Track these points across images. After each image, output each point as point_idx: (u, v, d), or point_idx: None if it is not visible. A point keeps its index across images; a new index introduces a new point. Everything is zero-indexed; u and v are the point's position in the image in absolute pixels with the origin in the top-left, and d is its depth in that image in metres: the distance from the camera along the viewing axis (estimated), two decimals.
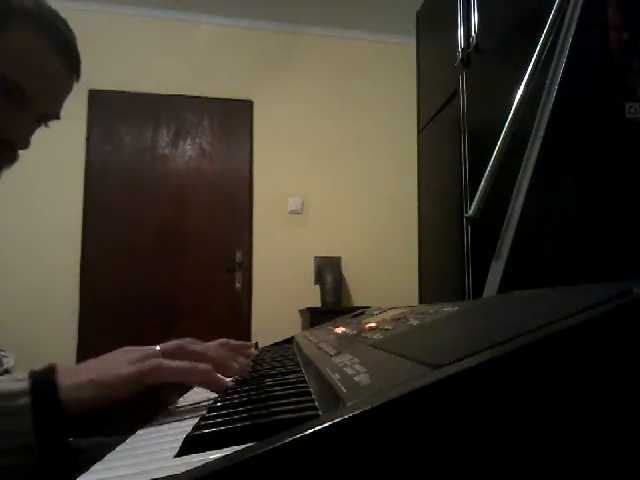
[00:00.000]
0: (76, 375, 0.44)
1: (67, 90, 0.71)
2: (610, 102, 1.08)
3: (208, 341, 0.80)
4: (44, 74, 0.66)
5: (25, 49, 0.64)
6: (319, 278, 3.46)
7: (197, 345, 0.55)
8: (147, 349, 0.50)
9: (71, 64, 0.70)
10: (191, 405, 0.51)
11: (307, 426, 0.17)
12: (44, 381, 0.43)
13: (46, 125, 0.72)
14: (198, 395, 0.56)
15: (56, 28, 0.67)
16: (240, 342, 0.83)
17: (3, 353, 0.74)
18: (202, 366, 0.48)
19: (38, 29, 0.64)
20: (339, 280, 3.49)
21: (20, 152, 0.69)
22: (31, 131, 0.69)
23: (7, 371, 0.71)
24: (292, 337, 1.04)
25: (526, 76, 0.92)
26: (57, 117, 0.72)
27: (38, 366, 0.46)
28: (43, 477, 0.42)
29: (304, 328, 3.25)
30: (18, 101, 0.64)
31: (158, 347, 0.50)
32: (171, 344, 0.52)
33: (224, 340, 0.81)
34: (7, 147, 0.66)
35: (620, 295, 0.19)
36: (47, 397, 0.42)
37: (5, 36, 0.63)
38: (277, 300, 3.51)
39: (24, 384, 0.42)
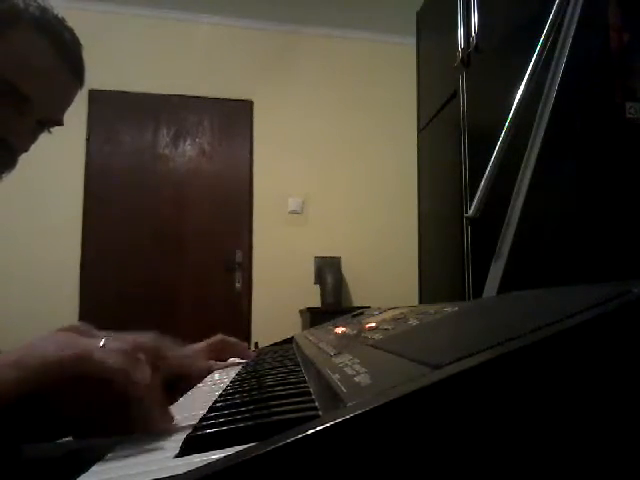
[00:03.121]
0: (5, 356, 0.39)
1: (70, 96, 0.72)
2: (610, 102, 1.08)
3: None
4: (46, 79, 0.66)
5: (28, 53, 0.64)
6: (319, 278, 3.46)
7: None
8: (90, 338, 0.41)
9: (74, 70, 0.70)
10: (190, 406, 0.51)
11: (308, 426, 0.17)
12: None
13: (49, 131, 0.72)
14: (198, 394, 0.56)
15: (60, 34, 0.67)
16: (236, 340, 0.83)
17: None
18: (138, 375, 0.38)
19: (42, 34, 0.65)
20: (339, 280, 3.49)
21: (19, 157, 0.70)
22: (32, 135, 0.70)
23: None
24: (292, 337, 1.04)
25: (526, 76, 0.92)
26: (60, 123, 0.72)
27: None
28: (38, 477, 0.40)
29: (304, 328, 3.25)
30: (18, 104, 0.65)
31: (103, 340, 0.40)
32: (126, 342, 0.41)
33: (220, 337, 0.81)
34: (5, 148, 0.66)
35: (620, 295, 0.19)
36: None
37: (8, 39, 0.63)
38: (277, 300, 3.51)
39: None
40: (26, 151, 0.69)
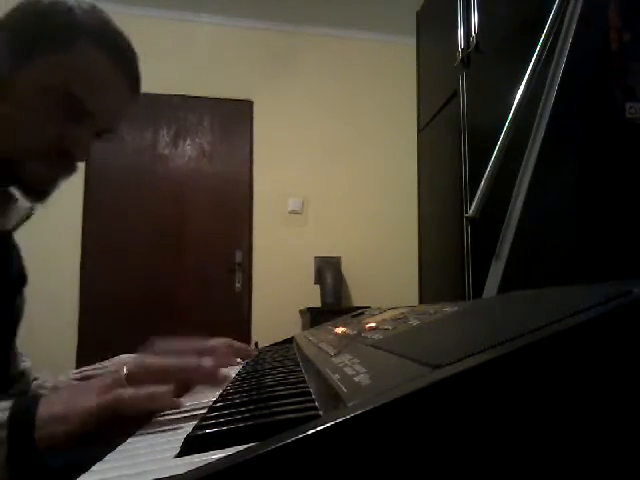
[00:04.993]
0: (52, 407, 0.45)
1: (128, 108, 0.73)
2: (610, 102, 1.08)
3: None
4: (106, 92, 0.68)
5: (89, 68, 0.65)
6: (319, 278, 3.46)
7: (170, 356, 0.53)
8: (113, 375, 0.49)
9: (133, 84, 0.71)
10: (190, 405, 0.51)
11: (309, 426, 0.17)
12: (23, 415, 0.44)
13: (101, 139, 0.73)
14: (198, 395, 0.56)
15: (120, 48, 0.68)
16: (243, 344, 0.84)
17: (22, 357, 0.76)
18: (160, 391, 0.47)
19: (102, 48, 0.66)
20: (339, 280, 3.49)
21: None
22: (90, 145, 0.71)
23: (23, 373, 0.73)
24: (292, 337, 1.04)
25: (526, 76, 0.92)
26: (115, 133, 0.74)
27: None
28: None
29: (304, 328, 3.25)
30: (81, 117, 0.66)
31: (125, 371, 0.49)
32: (137, 363, 0.50)
33: (227, 340, 0.82)
34: (69, 159, 0.68)
35: (620, 295, 0.19)
36: (22, 432, 0.43)
37: (70, 54, 0.64)
38: (277, 300, 3.51)
39: (2, 416, 0.43)
40: (86, 159, 0.71)
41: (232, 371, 0.69)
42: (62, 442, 0.44)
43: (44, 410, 0.44)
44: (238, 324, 3.48)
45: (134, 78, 0.71)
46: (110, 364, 0.76)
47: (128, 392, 0.46)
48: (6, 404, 0.44)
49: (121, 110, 0.72)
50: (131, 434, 0.41)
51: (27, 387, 0.72)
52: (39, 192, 0.72)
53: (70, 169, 0.71)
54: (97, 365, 0.75)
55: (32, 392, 0.71)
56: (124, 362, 0.77)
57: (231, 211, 3.60)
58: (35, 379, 0.75)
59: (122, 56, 0.69)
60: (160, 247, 3.45)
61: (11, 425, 0.43)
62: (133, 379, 0.48)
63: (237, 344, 0.83)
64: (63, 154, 0.67)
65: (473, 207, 0.88)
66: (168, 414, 0.49)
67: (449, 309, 0.40)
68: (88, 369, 0.75)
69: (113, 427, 0.45)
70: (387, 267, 3.65)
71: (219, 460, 0.18)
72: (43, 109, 0.64)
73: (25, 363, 0.75)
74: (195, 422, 0.38)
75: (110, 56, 0.66)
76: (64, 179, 0.72)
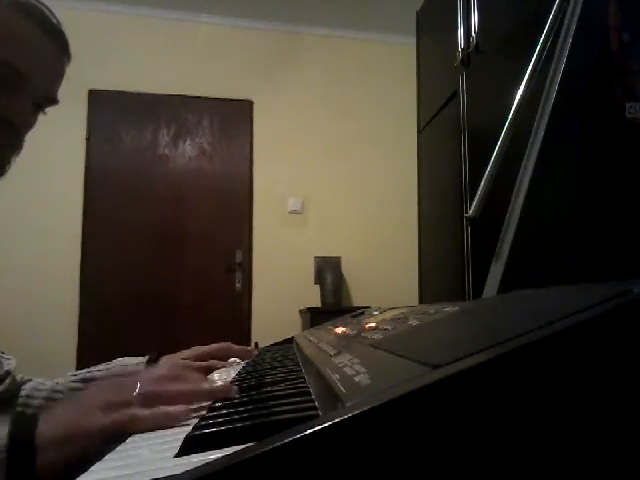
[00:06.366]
0: (55, 428, 0.43)
1: (61, 71, 0.72)
2: (610, 102, 1.08)
3: (208, 343, 0.81)
4: (35, 54, 0.67)
5: (14, 32, 0.65)
6: (319, 278, 3.46)
7: (183, 377, 0.52)
8: (125, 390, 0.47)
9: (61, 45, 0.71)
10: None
11: (307, 426, 0.17)
12: (22, 437, 0.41)
13: (44, 112, 0.72)
14: None
15: (41, 12, 0.68)
16: (242, 347, 0.84)
17: (5, 355, 0.74)
18: (178, 412, 0.45)
19: (23, 13, 0.66)
20: (339, 280, 3.49)
21: (25, 140, 0.70)
22: (31, 114, 0.70)
23: (8, 373, 0.72)
24: (292, 337, 1.04)
25: (526, 76, 0.92)
26: (55, 101, 0.72)
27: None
28: None
29: (304, 328, 3.25)
30: (12, 81, 0.65)
31: (138, 385, 0.47)
32: (152, 380, 0.49)
33: (226, 344, 0.82)
34: (10, 128, 0.67)
35: (620, 295, 0.19)
36: (22, 458, 0.40)
37: None
38: (277, 300, 3.51)
39: (2, 441, 0.41)
40: (30, 129, 0.70)
41: (232, 371, 0.69)
42: (64, 466, 0.41)
43: (46, 431, 0.42)
44: (238, 324, 3.48)
45: (61, 39, 0.71)
46: (111, 366, 0.75)
47: (144, 412, 0.44)
48: (3, 423, 0.42)
49: (55, 73, 0.71)
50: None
51: (12, 387, 0.71)
52: None
53: (15, 143, 0.69)
54: (96, 367, 0.75)
55: (23, 402, 0.69)
56: (125, 364, 0.77)
57: (231, 211, 3.60)
58: (27, 379, 0.74)
59: (44, 18, 0.68)
60: (160, 247, 3.45)
61: (10, 448, 0.40)
62: (145, 400, 0.46)
63: (235, 347, 0.83)
64: (4, 125, 0.66)
65: (473, 207, 0.88)
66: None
67: (449, 309, 0.40)
68: (92, 369, 0.75)
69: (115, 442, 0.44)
70: (387, 267, 3.65)
71: (217, 460, 0.18)
72: None
73: (9, 362, 0.74)
74: (197, 420, 0.38)
75: (33, 20, 0.66)
76: (12, 155, 0.70)
